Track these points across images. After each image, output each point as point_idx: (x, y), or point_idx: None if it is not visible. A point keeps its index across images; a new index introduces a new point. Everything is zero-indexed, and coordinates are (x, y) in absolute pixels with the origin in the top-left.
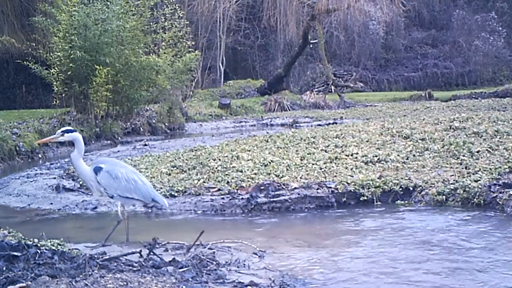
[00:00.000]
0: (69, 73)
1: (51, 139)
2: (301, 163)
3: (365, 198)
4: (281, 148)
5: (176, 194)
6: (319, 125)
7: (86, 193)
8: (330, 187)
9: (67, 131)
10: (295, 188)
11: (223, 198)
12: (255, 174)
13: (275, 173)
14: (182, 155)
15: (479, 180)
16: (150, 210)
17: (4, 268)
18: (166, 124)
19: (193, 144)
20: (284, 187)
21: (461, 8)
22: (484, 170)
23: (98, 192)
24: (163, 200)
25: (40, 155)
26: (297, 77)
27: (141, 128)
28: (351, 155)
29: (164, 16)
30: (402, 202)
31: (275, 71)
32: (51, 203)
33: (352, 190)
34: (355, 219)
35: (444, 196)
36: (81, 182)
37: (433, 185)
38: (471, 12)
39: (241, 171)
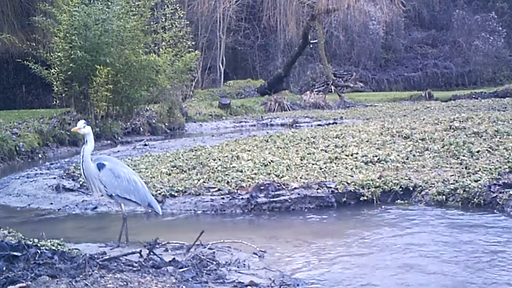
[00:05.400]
0: (69, 73)
1: (77, 129)
2: (301, 163)
3: (365, 198)
4: (281, 148)
5: (176, 194)
6: (319, 125)
7: (86, 193)
8: (330, 187)
9: (88, 124)
10: (295, 188)
11: (223, 198)
12: (255, 174)
13: (275, 173)
14: (182, 155)
15: (479, 180)
16: (150, 210)
17: (4, 268)
18: (166, 124)
19: (193, 144)
20: (284, 187)
21: (461, 8)
22: (484, 170)
23: (97, 190)
24: (158, 206)
25: (40, 155)
26: (297, 77)
27: (141, 128)
28: (351, 155)
29: (165, 16)
30: (402, 202)
31: (275, 71)
32: (51, 203)
33: (352, 190)
34: (355, 219)
35: (444, 196)
36: (81, 182)
37: (433, 185)
38: (471, 12)
39: (241, 171)
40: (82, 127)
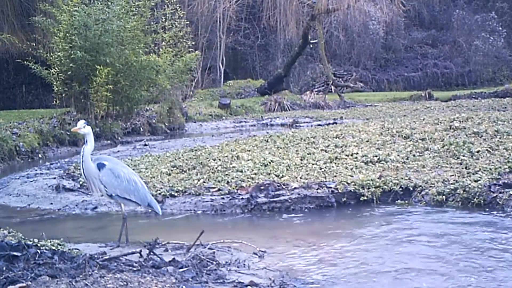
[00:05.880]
0: (69, 73)
1: (77, 129)
2: (301, 163)
3: (365, 198)
4: (281, 148)
5: (176, 194)
6: (319, 125)
7: (86, 193)
8: (330, 187)
9: (88, 124)
10: (295, 188)
11: (223, 198)
12: (255, 174)
13: (275, 173)
14: (182, 155)
15: (479, 180)
16: (150, 210)
17: (4, 268)
18: (166, 124)
19: (193, 144)
20: (284, 187)
21: (461, 8)
22: (484, 170)
23: (97, 190)
24: (158, 207)
25: (40, 155)
26: (297, 77)
27: (141, 128)
28: (351, 155)
29: (165, 16)
30: (402, 202)
31: (275, 71)
32: (51, 203)
33: (352, 190)
34: (355, 219)
35: (444, 196)
36: (81, 182)
37: (433, 185)
38: (471, 12)
39: (241, 171)
40: (82, 127)
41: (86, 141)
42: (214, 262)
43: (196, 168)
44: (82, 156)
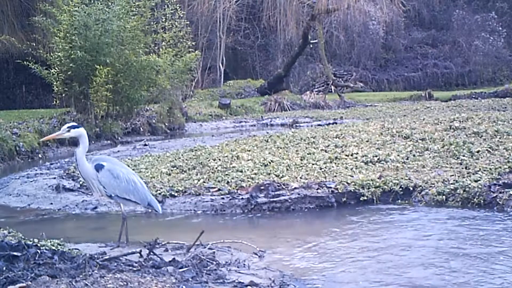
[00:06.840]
0: (69, 73)
1: (57, 135)
2: (301, 163)
3: (365, 198)
4: (281, 148)
5: (176, 194)
6: (319, 125)
7: (86, 193)
8: (330, 187)
9: (73, 127)
10: (295, 188)
11: (223, 198)
12: (255, 174)
13: (275, 173)
14: (182, 155)
15: (479, 180)
16: (150, 210)
17: (4, 268)
18: (166, 124)
19: (193, 144)
20: (284, 187)
21: (461, 8)
22: (484, 170)
23: (97, 190)
24: (158, 206)
25: (40, 155)
26: (297, 77)
27: (141, 128)
28: (351, 155)
29: (165, 16)
30: (402, 202)
31: (275, 71)
32: (51, 203)
33: (352, 190)
34: (355, 219)
35: (444, 196)
36: (81, 182)
37: (433, 185)
38: (471, 12)
39: (241, 171)
40: (65, 132)
41: (79, 144)
42: (214, 262)
43: (196, 168)
44: (76, 160)
